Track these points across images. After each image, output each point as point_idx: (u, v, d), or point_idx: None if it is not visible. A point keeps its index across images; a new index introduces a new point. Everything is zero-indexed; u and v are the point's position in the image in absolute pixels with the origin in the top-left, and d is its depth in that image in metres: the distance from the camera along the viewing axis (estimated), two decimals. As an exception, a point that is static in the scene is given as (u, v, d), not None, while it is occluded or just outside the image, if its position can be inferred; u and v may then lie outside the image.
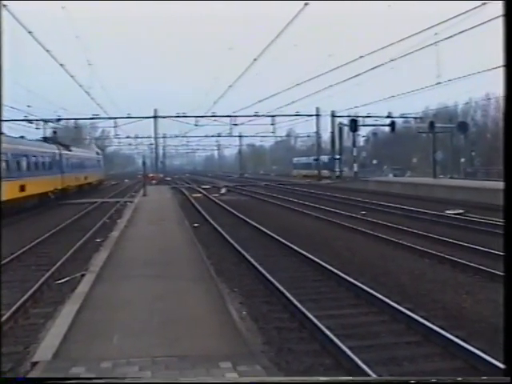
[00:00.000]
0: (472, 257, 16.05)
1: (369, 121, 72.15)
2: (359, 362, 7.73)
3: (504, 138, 3.88)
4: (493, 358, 7.83)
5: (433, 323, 9.55)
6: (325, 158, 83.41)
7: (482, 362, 7.86)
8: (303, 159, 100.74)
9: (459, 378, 3.52)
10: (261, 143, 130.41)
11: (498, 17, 28.83)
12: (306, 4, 24.36)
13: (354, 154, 76.91)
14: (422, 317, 9.95)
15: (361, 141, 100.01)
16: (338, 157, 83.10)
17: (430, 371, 7.81)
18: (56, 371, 7.01)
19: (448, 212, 28.81)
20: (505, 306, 3.87)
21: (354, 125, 67.05)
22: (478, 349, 8.25)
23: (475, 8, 27.69)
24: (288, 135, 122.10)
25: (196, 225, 24.68)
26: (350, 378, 7.02)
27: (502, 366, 7.52)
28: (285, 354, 8.59)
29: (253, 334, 9.40)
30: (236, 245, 18.35)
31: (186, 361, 7.31)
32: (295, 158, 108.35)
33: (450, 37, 33.83)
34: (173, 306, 10.14)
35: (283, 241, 19.02)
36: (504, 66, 3.86)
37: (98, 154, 67.02)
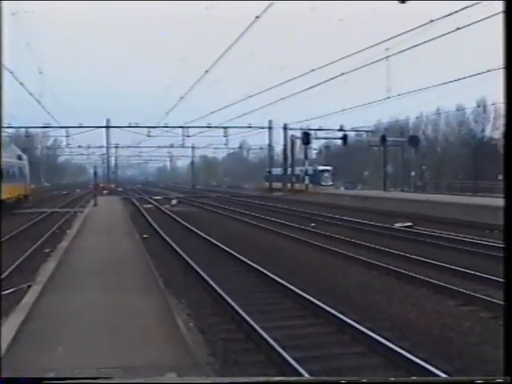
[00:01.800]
0: (418, 269, 16.29)
1: (321, 134, 72.77)
2: (304, 373, 7.80)
3: (504, 142, 3.96)
4: (435, 367, 7.98)
5: (378, 334, 9.66)
6: (309, 170, 76.76)
7: (425, 372, 7.98)
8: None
9: (459, 378, 3.58)
10: (213, 155, 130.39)
11: (447, 33, 29.56)
12: (256, 17, 24.57)
13: (306, 166, 77.25)
14: (367, 328, 10.06)
15: (313, 154, 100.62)
16: (328, 168, 79.68)
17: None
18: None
19: (397, 225, 29.19)
20: (505, 306, 3.92)
21: (306, 138, 67.46)
22: (421, 359, 8.37)
23: (425, 24, 28.25)
24: (240, 147, 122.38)
25: (146, 236, 24.55)
26: (351, 378, 7.04)
27: (443, 375, 7.70)
28: (230, 366, 8.61)
29: (199, 345, 9.39)
30: (185, 256, 18.32)
31: (131, 372, 7.27)
32: (272, 169, 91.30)
33: (401, 51, 34.42)
34: (120, 317, 10.07)
35: (233, 252, 19.06)
36: (504, 68, 3.94)
37: (20, 158, 48.04)
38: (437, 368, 7.96)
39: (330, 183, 77.81)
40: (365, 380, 5.55)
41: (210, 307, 12.37)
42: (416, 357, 8.47)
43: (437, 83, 45.90)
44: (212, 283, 13.89)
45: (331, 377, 7.41)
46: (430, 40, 30.87)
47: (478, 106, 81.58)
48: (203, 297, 13.42)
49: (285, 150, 79.88)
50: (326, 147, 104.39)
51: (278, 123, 78.18)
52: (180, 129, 71.96)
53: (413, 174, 79.25)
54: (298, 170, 78.93)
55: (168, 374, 7.09)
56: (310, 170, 76.73)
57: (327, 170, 79.51)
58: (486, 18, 25.64)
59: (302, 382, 4.46)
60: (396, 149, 73.87)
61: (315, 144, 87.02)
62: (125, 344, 8.42)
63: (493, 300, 12.43)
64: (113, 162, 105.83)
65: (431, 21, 27.27)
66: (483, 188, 58.42)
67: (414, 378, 6.77)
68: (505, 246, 3.95)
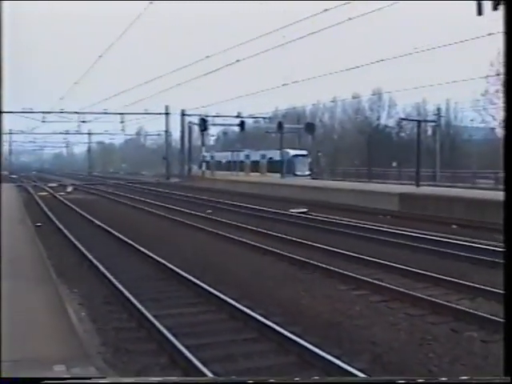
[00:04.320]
0: (312, 254, 16.58)
1: (219, 120, 72.80)
2: (194, 360, 7.81)
3: (504, 141, 3.99)
4: (325, 352, 8.14)
5: (270, 320, 9.78)
6: (275, 155, 62.30)
7: (315, 357, 8.14)
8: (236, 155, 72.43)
9: (459, 378, 3.58)
10: (110, 141, 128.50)
11: (345, 21, 29.97)
12: (150, 3, 24.30)
13: (203, 152, 77.05)
14: (259, 314, 10.16)
15: (211, 140, 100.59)
16: (303, 152, 63.53)
17: (264, 367, 8.01)
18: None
19: (292, 211, 29.59)
20: (505, 306, 3.94)
21: (203, 124, 67.33)
22: (311, 343, 8.52)
23: (319, 13, 28.63)
24: (138, 133, 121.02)
25: (39, 224, 23.95)
26: (351, 378, 7.04)
27: (331, 358, 7.87)
28: (121, 355, 8.53)
29: (90, 335, 9.27)
30: (79, 244, 18.00)
31: (19, 365, 7.09)
32: (215, 153, 79.77)
33: (298, 39, 34.76)
34: (8, 307, 9.79)
35: (127, 240, 18.85)
36: (504, 70, 3.97)
37: None
38: (327, 352, 8.11)
39: (307, 172, 60.90)
40: (366, 380, 5.58)
41: (102, 296, 12.21)
42: (306, 341, 8.61)
43: (334, 71, 46.69)
44: (105, 272, 13.72)
45: (332, 377, 7.41)
46: (324, 29, 31.26)
47: (374, 95, 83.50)
48: (96, 286, 13.21)
49: (182, 136, 79.47)
50: (224, 133, 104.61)
51: (175, 109, 77.71)
52: (76, 114, 70.30)
53: (309, 160, 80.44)
54: (256, 155, 67.82)
55: (56, 367, 6.95)
56: (277, 155, 61.77)
57: (303, 155, 63.33)
58: (376, 11, 26.31)
59: (301, 383, 4.45)
60: (293, 135, 74.63)
61: (213, 130, 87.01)
62: (12, 336, 8.19)
63: (382, 284, 12.81)
64: (7, 148, 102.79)
65: (325, 10, 27.65)
66: (377, 174, 60.02)
67: (414, 378, 6.84)
68: (505, 247, 3.98)
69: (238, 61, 41.18)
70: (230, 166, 71.30)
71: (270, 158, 63.14)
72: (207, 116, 68.55)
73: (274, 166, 60.92)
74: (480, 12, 15.69)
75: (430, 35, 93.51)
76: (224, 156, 75.63)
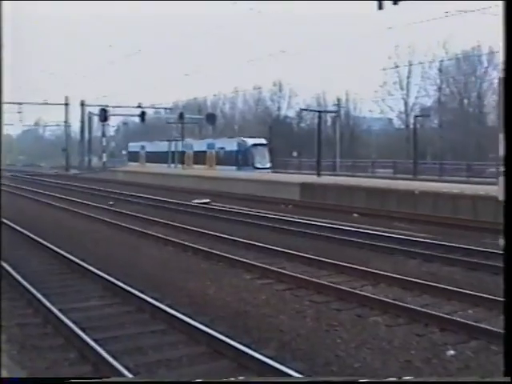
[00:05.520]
0: (216, 244, 16.70)
1: (119, 111, 72.01)
2: (104, 354, 7.73)
3: (504, 140, 4.00)
4: (234, 340, 8.21)
5: (178, 311, 9.77)
6: (228, 144, 55.04)
7: (224, 346, 8.19)
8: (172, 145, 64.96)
9: (459, 378, 3.57)
10: (7, 132, 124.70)
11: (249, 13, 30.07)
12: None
13: (104, 143, 75.96)
14: (167, 305, 10.14)
15: (111, 131, 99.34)
16: (262, 141, 54.75)
17: (174, 358, 8.01)
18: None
19: (195, 201, 29.61)
20: (505, 306, 3.94)
21: (103, 114, 66.39)
22: (220, 333, 8.57)
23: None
24: (36, 124, 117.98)
25: None
26: (349, 378, 6.98)
27: (241, 347, 7.95)
28: (28, 352, 8.34)
29: (-7, 332, 9.02)
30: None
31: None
32: (146, 144, 72.56)
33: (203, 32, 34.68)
34: None
35: (29, 234, 18.38)
36: (504, 70, 3.99)
37: None
38: (236, 341, 8.18)
39: (269, 165, 52.94)
40: (363, 380, 5.57)
41: (5, 292, 11.87)
42: (215, 331, 8.66)
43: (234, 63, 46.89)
44: (7, 267, 13.34)
45: (331, 377, 7.37)
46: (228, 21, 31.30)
47: (275, 85, 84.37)
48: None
49: (82, 127, 78.13)
50: (124, 124, 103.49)
51: (75, 100, 76.26)
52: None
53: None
54: (202, 144, 61.27)
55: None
56: (230, 144, 54.73)
57: (262, 145, 54.24)
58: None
59: (300, 382, 4.41)
60: (194, 126, 74.63)
61: (113, 121, 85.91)
62: None
63: (286, 272, 13.00)
64: None
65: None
66: (278, 164, 60.60)
67: (413, 378, 6.88)
68: (505, 247, 4.01)
69: (139, 50, 40.72)
70: (166, 157, 64.71)
71: (222, 149, 55.60)
72: (107, 106, 67.61)
73: (226, 158, 53.83)
74: (380, 7, 16.14)
75: (330, 29, 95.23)
76: (158, 146, 68.59)
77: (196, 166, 56.80)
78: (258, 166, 51.33)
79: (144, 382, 5.22)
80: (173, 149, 64.38)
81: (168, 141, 65.98)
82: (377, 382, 4.78)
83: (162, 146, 67.01)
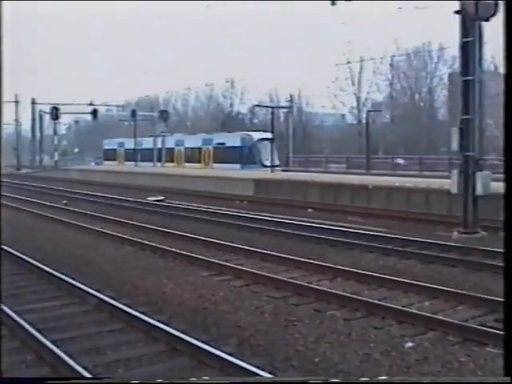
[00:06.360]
0: (172, 242, 16.61)
1: (71, 109, 71.26)
2: (62, 355, 7.63)
3: (504, 140, 3.97)
4: (193, 338, 8.17)
5: (135, 310, 9.70)
6: (229, 139, 49.28)
7: (183, 344, 8.15)
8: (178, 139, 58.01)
9: (459, 379, 3.53)
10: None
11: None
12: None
13: (55, 142, 75.03)
14: (124, 304, 10.06)
15: (63, 129, 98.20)
16: (268, 135, 47.37)
17: (134, 357, 7.94)
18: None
19: (149, 199, 29.44)
20: (505, 306, 3.91)
21: (55, 112, 65.62)
22: (178, 330, 8.54)
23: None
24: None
25: None
26: (348, 378, 6.91)
27: (199, 343, 7.92)
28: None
29: None
30: None
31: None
32: (127, 140, 66.11)
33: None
34: None
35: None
36: (504, 70, 3.96)
37: None
38: (195, 338, 8.15)
39: (277, 162, 47.61)
40: (364, 380, 5.52)
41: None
42: (174, 329, 8.62)
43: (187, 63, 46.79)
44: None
45: (331, 377, 7.29)
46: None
47: (227, 82, 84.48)
48: None
49: (33, 125, 77.09)
50: (76, 122, 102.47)
51: (25, 98, 75.16)
52: None
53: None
54: (197, 139, 54.45)
55: None
56: (232, 139, 49.10)
57: (268, 139, 46.94)
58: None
59: (300, 382, 4.36)
60: (146, 123, 74.22)
61: (65, 119, 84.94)
62: None
63: (244, 269, 13.00)
64: None
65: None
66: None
67: (413, 378, 6.84)
68: (505, 246, 3.99)
69: (95, 48, 40.31)
70: (151, 155, 59.11)
71: (221, 144, 49.46)
72: (59, 104, 66.83)
73: (227, 155, 47.86)
74: (334, 2, 16.25)
75: (283, 24, 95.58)
76: (141, 142, 62.16)
77: (188, 165, 52.19)
78: (266, 163, 45.70)
79: (144, 383, 5.17)
80: (159, 145, 59.32)
81: (153, 136, 61.27)
82: (377, 382, 4.79)
83: (145, 143, 61.24)
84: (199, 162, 51.43)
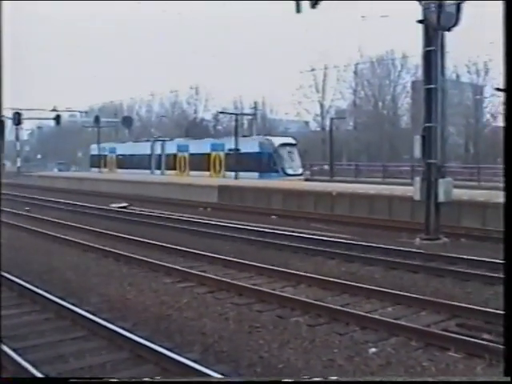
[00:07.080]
0: (135, 249, 16.53)
1: (33, 114, 70.61)
2: (24, 363, 7.56)
3: (504, 140, 3.97)
4: (156, 345, 8.15)
5: (98, 317, 9.64)
6: (246, 144, 43.04)
7: (147, 351, 8.13)
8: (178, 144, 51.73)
9: (460, 378, 3.51)
10: None
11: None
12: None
13: (18, 148, 74.19)
14: (87, 311, 9.99)
15: (25, 135, 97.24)
16: (291, 141, 44.86)
17: (97, 365, 7.89)
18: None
19: (113, 205, 29.27)
20: (505, 306, 3.90)
21: (17, 118, 64.92)
22: (142, 337, 8.50)
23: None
24: None
25: None
26: (347, 379, 6.84)
27: (162, 350, 7.89)
28: None
29: None
30: None
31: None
32: (119, 145, 61.10)
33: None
34: None
35: None
36: (504, 70, 3.97)
37: None
38: (158, 345, 8.14)
39: (301, 170, 43.95)
40: (362, 380, 5.49)
41: None
42: (137, 336, 8.58)
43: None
44: None
45: (331, 377, 7.24)
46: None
47: (191, 89, 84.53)
48: None
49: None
50: (39, 128, 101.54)
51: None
52: None
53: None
54: (206, 145, 48.50)
55: None
56: (249, 144, 43.37)
57: (291, 145, 44.07)
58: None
59: (299, 382, 4.32)
60: (110, 129, 73.85)
61: (27, 125, 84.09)
62: None
63: (207, 275, 13.00)
64: None
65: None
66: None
67: (412, 378, 6.82)
68: (505, 246, 4.00)
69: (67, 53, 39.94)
70: (148, 161, 53.61)
71: (235, 150, 42.33)
72: (21, 109, 66.13)
73: (243, 162, 41.62)
74: (298, 10, 16.34)
75: (248, 31, 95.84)
76: (137, 148, 56.55)
77: (194, 173, 46.32)
78: (290, 171, 41.79)
79: (144, 382, 5.14)
80: (158, 151, 53.26)
81: (149, 141, 56.17)
82: (377, 381, 4.83)
83: (141, 148, 55.26)
84: (207, 169, 46.36)
